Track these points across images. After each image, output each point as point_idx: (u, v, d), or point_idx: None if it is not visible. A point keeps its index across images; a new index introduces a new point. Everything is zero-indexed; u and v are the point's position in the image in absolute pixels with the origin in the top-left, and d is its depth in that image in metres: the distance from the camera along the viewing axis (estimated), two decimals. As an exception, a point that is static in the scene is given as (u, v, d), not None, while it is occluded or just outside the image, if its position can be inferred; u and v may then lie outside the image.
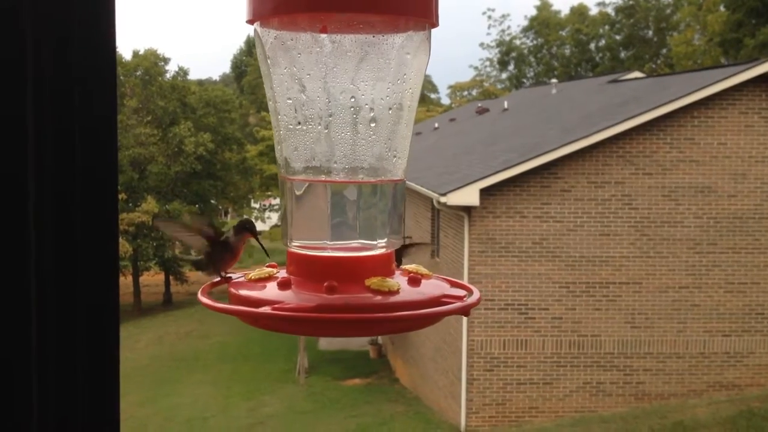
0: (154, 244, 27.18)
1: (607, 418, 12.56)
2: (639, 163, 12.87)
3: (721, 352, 12.96)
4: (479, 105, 27.47)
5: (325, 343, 18.57)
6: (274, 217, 30.49)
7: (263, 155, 29.67)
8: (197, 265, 0.98)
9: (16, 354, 0.60)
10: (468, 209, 12.58)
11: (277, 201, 30.71)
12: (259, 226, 34.57)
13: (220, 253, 0.95)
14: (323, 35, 0.78)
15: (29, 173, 0.60)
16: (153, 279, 29.58)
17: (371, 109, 0.81)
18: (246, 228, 0.97)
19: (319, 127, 0.82)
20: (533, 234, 12.72)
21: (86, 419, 0.63)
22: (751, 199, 12.93)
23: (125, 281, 27.67)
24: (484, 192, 12.52)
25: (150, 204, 26.26)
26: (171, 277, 29.12)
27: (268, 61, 0.82)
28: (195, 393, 16.92)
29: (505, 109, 22.69)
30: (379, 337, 17.88)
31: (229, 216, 44.15)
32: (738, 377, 12.99)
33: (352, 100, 0.80)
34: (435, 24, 0.80)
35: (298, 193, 0.84)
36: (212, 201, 31.58)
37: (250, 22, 0.81)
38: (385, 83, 0.81)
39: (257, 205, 33.14)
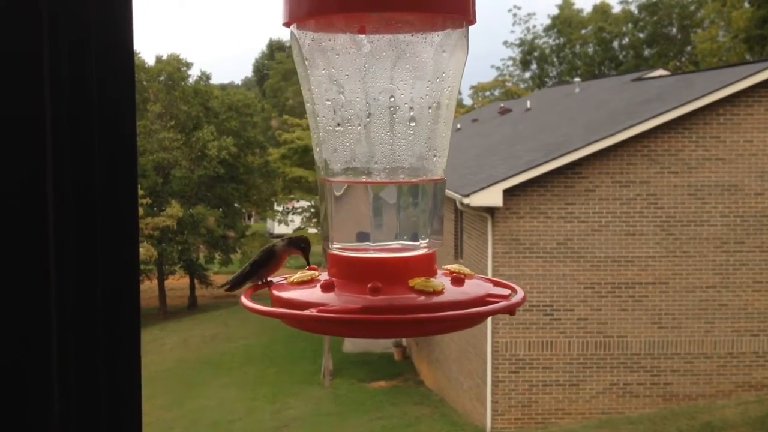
0: (179, 248, 27.37)
1: (634, 419, 12.46)
2: (664, 162, 12.77)
3: (750, 351, 12.82)
4: (502, 105, 27.38)
5: (350, 346, 18.58)
6: (297, 220, 30.57)
7: (285, 158, 29.72)
8: (246, 276, 0.96)
9: (37, 358, 0.60)
10: (491, 210, 12.54)
11: (301, 204, 30.77)
12: (282, 228, 34.69)
13: (266, 260, 0.95)
14: (361, 35, 0.78)
15: (47, 175, 0.60)
16: (178, 282, 29.77)
17: (410, 109, 0.81)
18: (300, 246, 0.96)
19: (359, 128, 0.81)
20: (557, 234, 12.66)
21: (108, 425, 0.63)
22: (778, 197, 12.77)
23: (151, 285, 27.88)
24: (508, 192, 12.48)
25: (174, 208, 26.44)
26: (196, 281, 29.29)
27: (306, 63, 0.81)
28: (220, 396, 17.00)
29: (528, 109, 22.60)
30: (404, 339, 17.87)
31: (252, 219, 44.32)
32: (767, 377, 12.84)
33: (391, 99, 0.80)
34: (472, 21, 0.80)
35: (338, 194, 0.84)
36: (236, 204, 31.72)
37: (287, 24, 0.81)
38: (423, 82, 0.80)
39: (280, 208, 33.23)
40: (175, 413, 16.06)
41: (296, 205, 30.68)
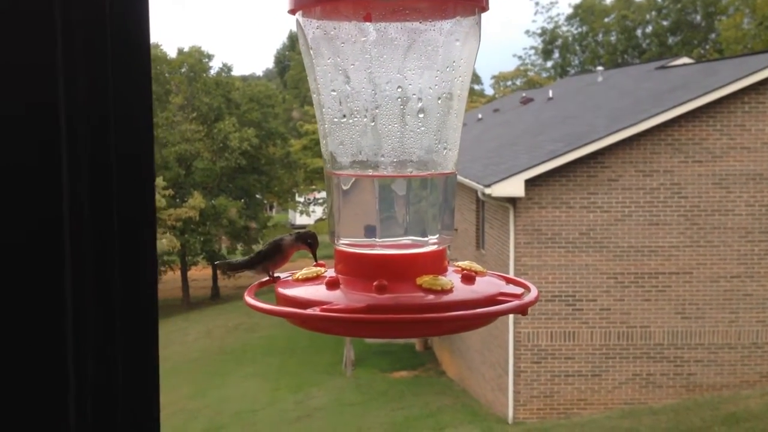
0: (202, 239, 27.54)
1: (657, 410, 12.38)
2: (688, 151, 12.63)
3: (775, 342, 12.69)
4: (524, 95, 27.22)
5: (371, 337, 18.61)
6: (318, 211, 30.64)
7: (307, 149, 29.80)
8: (245, 265, 0.95)
9: (53, 352, 0.59)
10: (513, 200, 12.48)
11: (322, 195, 30.85)
12: (304, 219, 34.77)
13: (271, 254, 0.92)
14: (367, 23, 0.75)
15: (63, 168, 0.59)
16: (201, 273, 29.97)
17: (419, 100, 0.78)
18: (306, 242, 0.93)
19: (366, 120, 0.78)
20: (580, 224, 12.57)
21: (126, 417, 0.62)
22: (805, 186, 12.60)
23: (174, 276, 28.09)
24: (530, 183, 12.40)
25: (197, 199, 26.59)
26: (218, 272, 29.47)
27: (311, 53, 0.79)
28: (244, 386, 17.10)
29: (550, 99, 22.45)
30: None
31: (274, 210, 44.48)
32: (793, 368, 12.71)
33: (399, 90, 0.77)
34: (485, 8, 0.77)
35: (344, 188, 0.81)
36: (257, 195, 31.84)
37: (292, 12, 0.78)
38: (433, 72, 0.77)
39: (302, 199, 33.32)
40: (199, 403, 16.19)
41: (317, 195, 30.75)
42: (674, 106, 12.59)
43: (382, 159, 0.79)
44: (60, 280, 0.59)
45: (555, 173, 12.51)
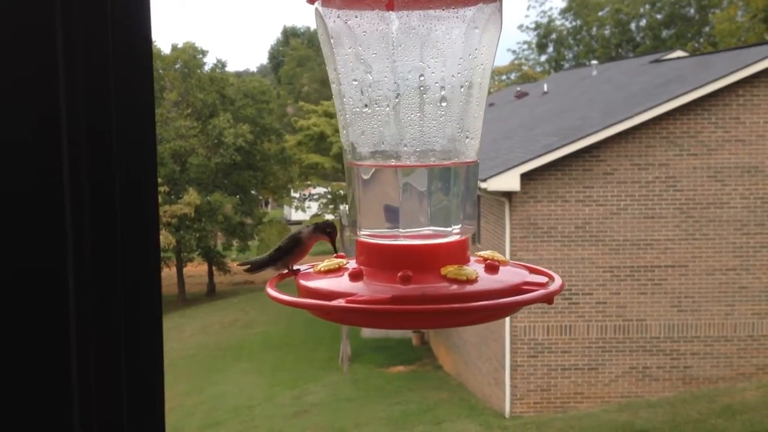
0: (197, 235, 27.48)
1: (654, 403, 12.41)
2: (683, 144, 12.64)
3: (771, 334, 12.73)
4: (518, 89, 27.21)
5: (368, 331, 18.61)
6: (314, 207, 30.59)
7: (302, 145, 29.74)
8: (267, 263, 0.93)
9: (55, 353, 0.58)
10: (509, 194, 12.48)
11: (318, 190, 30.74)
12: (300, 215, 34.72)
13: (291, 248, 0.91)
14: (389, 12, 0.74)
15: (64, 169, 0.58)
16: (196, 270, 29.92)
17: (442, 88, 0.77)
18: (326, 231, 0.91)
19: (387, 109, 0.77)
20: (576, 218, 12.58)
21: (131, 416, 0.61)
22: (800, 178, 12.63)
23: (169, 272, 28.03)
24: (525, 177, 12.41)
25: (192, 196, 26.54)
26: (214, 268, 29.43)
27: (331, 42, 0.77)
28: (240, 382, 17.09)
29: (545, 93, 22.45)
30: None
31: (269, 206, 44.40)
32: (789, 360, 12.75)
33: (421, 78, 0.76)
34: None
35: (365, 179, 0.80)
36: (252, 191, 31.76)
37: (311, 1, 0.77)
38: (455, 60, 0.76)
39: (297, 195, 33.26)
40: (196, 399, 16.17)
41: (313, 191, 30.69)
42: (669, 100, 12.60)
43: (404, 149, 0.78)
44: (63, 281, 0.58)
45: (550, 167, 12.52)
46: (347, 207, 0.84)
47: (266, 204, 41.69)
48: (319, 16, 0.78)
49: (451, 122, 0.78)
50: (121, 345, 0.60)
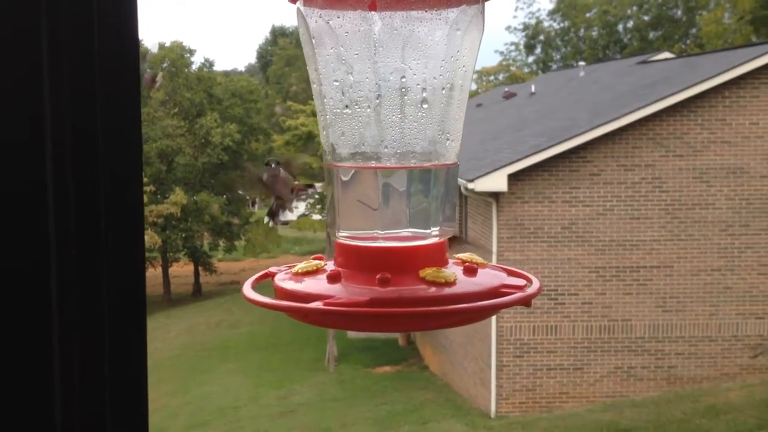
0: (183, 235, 27.38)
1: (638, 402, 12.47)
2: (669, 145, 12.71)
3: (755, 335, 12.81)
4: (506, 90, 27.27)
5: (354, 332, 18.61)
6: (301, 207, 30.53)
7: (289, 144, 29.68)
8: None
9: (37, 353, 0.58)
10: (496, 195, 12.51)
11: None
12: (287, 215, 34.60)
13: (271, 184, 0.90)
14: (371, 12, 0.73)
15: (48, 172, 0.58)
16: (182, 270, 29.82)
17: (423, 90, 0.76)
18: (270, 164, 0.91)
19: (368, 110, 0.77)
20: (562, 219, 12.63)
21: (114, 417, 0.61)
22: (784, 180, 12.72)
23: (155, 272, 27.92)
24: (513, 177, 12.44)
25: (178, 195, 26.43)
26: (200, 268, 29.33)
27: (313, 42, 0.77)
28: (226, 382, 17.05)
29: (533, 93, 22.50)
30: (408, 325, 17.85)
31: (256, 206, 44.29)
32: (772, 361, 12.84)
33: (403, 80, 0.76)
34: None
35: (345, 180, 0.79)
36: (240, 191, 31.68)
37: (293, 1, 0.77)
38: (437, 62, 0.76)
39: (284, 195, 33.15)
40: (181, 400, 16.12)
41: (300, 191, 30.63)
42: (655, 101, 12.66)
43: (385, 150, 0.78)
44: (46, 280, 0.58)
45: (537, 168, 12.56)
46: (327, 208, 0.84)
47: (253, 204, 41.58)
48: (300, 15, 0.78)
49: (432, 124, 0.78)
50: (105, 345, 0.60)
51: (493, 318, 12.44)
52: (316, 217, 28.26)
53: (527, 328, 12.62)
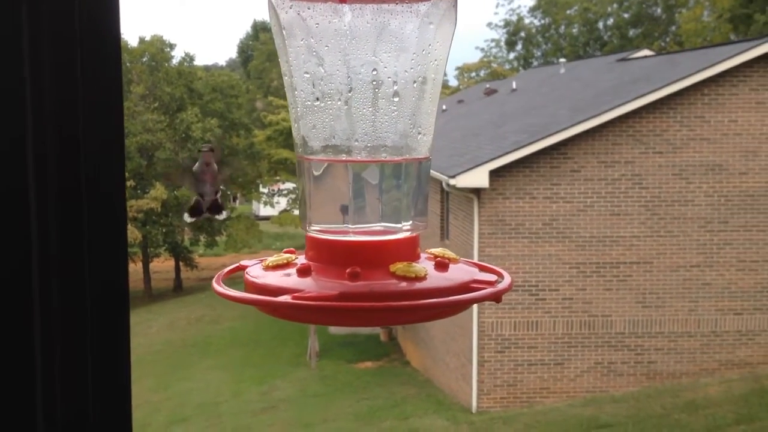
0: (164, 230, 27.22)
1: (618, 398, 12.56)
2: (649, 142, 12.79)
3: (733, 330, 12.92)
4: (487, 86, 27.32)
5: (336, 327, 18.61)
6: (283, 202, 30.42)
7: (271, 140, 29.57)
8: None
9: (19, 349, 0.57)
10: (477, 191, 12.53)
11: (286, 186, 30.56)
12: (268, 210, 34.54)
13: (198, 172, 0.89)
14: (343, 4, 0.73)
15: (29, 166, 0.57)
16: (163, 265, 29.64)
17: (394, 83, 0.76)
18: (203, 151, 0.90)
19: (339, 103, 0.76)
20: (543, 215, 12.68)
21: (97, 414, 0.60)
22: (762, 177, 12.83)
23: (135, 268, 27.75)
24: (494, 173, 12.47)
25: (158, 190, 26.27)
26: (181, 263, 29.19)
27: (284, 33, 0.76)
28: (207, 378, 17.00)
29: (514, 90, 22.57)
30: (390, 320, 17.84)
31: (237, 201, 44.15)
32: (750, 355, 12.96)
33: (374, 73, 0.75)
34: None
35: (316, 174, 0.79)
36: (220, 187, 31.52)
37: None
38: (408, 55, 0.75)
39: (266, 190, 33.07)
40: (162, 395, 16.05)
41: (281, 186, 30.53)
42: (635, 98, 12.73)
43: (356, 143, 0.77)
44: (27, 276, 0.57)
45: (519, 164, 12.59)
46: (298, 202, 0.83)
47: (234, 199, 41.43)
48: (271, 6, 0.77)
49: (404, 118, 0.78)
50: (87, 341, 0.59)
51: (475, 313, 12.48)
52: (298, 212, 28.17)
53: (508, 323, 12.66)
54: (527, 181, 12.66)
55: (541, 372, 12.82)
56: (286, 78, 0.79)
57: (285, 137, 27.12)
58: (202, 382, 16.77)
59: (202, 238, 29.41)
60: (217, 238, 29.63)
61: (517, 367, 12.79)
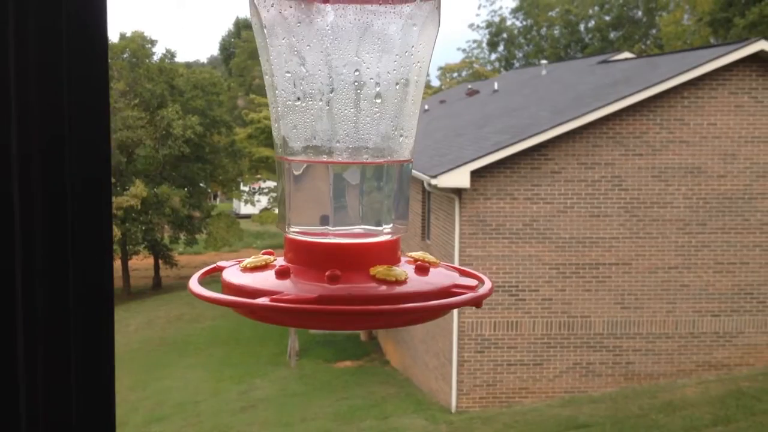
0: (143, 227, 27.05)
1: (596, 398, 12.63)
2: (629, 144, 12.87)
3: (711, 332, 13.03)
4: (469, 87, 27.38)
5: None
6: (263, 200, 30.34)
7: (252, 138, 29.50)
8: None
9: (1, 348, 0.56)
10: (459, 191, 12.55)
11: (268, 184, 30.44)
12: (249, 209, 34.42)
13: None
14: (324, 4, 0.72)
15: (13, 172, 0.56)
16: (142, 263, 29.47)
17: (376, 84, 0.75)
18: None
19: (320, 103, 0.75)
20: (524, 216, 12.72)
21: (81, 415, 0.59)
22: (740, 180, 12.95)
23: (114, 265, 27.50)
24: (475, 174, 12.50)
25: (138, 188, 26.09)
26: (160, 261, 29.02)
27: (265, 31, 0.75)
28: (186, 377, 16.91)
29: (496, 91, 22.63)
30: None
31: (218, 199, 43.99)
32: (727, 357, 13.07)
33: (356, 74, 0.74)
34: None
35: (296, 174, 0.78)
36: (201, 184, 31.40)
37: None
38: (391, 56, 0.74)
39: (246, 188, 32.97)
40: (140, 394, 15.95)
41: (262, 185, 30.46)
42: (615, 100, 12.80)
43: (337, 145, 0.76)
44: (11, 273, 0.56)
45: (500, 165, 12.63)
46: (277, 202, 0.82)
47: (215, 197, 41.27)
48: (252, 4, 0.76)
49: (386, 119, 0.77)
50: (71, 342, 0.59)
51: (455, 314, 12.50)
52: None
53: (488, 324, 12.70)
54: (508, 181, 12.70)
55: (521, 372, 12.86)
56: (267, 77, 0.78)
57: (266, 135, 27.05)
58: (180, 380, 16.68)
59: (182, 236, 29.26)
60: (197, 236, 29.50)
61: (496, 367, 12.82)
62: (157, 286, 28.56)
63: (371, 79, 0.74)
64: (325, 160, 0.76)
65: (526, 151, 12.63)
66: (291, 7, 0.73)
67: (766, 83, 12.91)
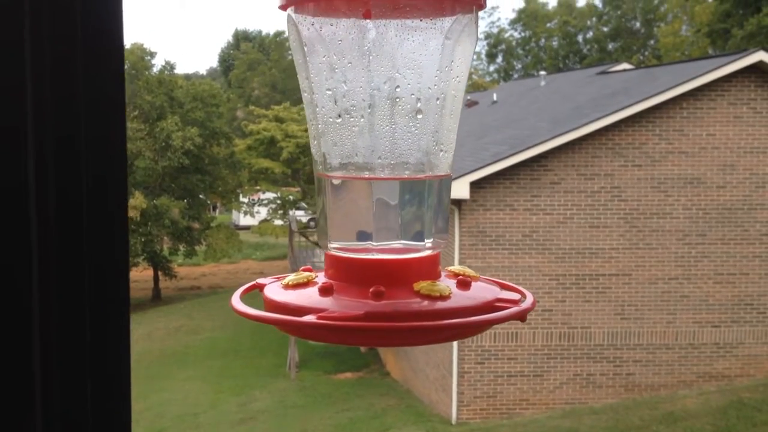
0: (143, 239, 27.01)
1: (597, 409, 12.61)
2: (628, 155, 12.89)
3: (711, 342, 13.01)
4: (468, 98, 27.42)
5: (316, 338, 18.49)
6: (263, 212, 30.31)
7: (251, 149, 29.47)
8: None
9: (17, 353, 0.56)
10: (458, 202, 12.56)
11: (267, 195, 30.36)
12: (248, 220, 34.38)
13: None
14: (366, 20, 0.72)
15: (29, 174, 0.56)
16: (141, 275, 29.41)
17: (417, 100, 0.75)
18: None
19: (361, 120, 0.75)
20: (523, 227, 12.72)
21: (97, 422, 0.59)
22: (739, 190, 12.97)
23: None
24: (475, 185, 12.51)
25: (138, 199, 26.08)
26: (160, 273, 28.97)
27: (305, 50, 0.75)
28: (185, 389, 16.85)
29: (495, 102, 22.67)
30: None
31: (217, 211, 43.94)
32: (727, 368, 13.06)
33: (397, 89, 0.74)
34: (483, 5, 0.75)
35: (337, 190, 0.78)
36: (200, 196, 31.38)
37: (283, 8, 0.75)
38: (431, 71, 0.75)
39: (246, 200, 32.94)
40: (140, 406, 15.89)
41: (262, 196, 30.43)
42: (614, 111, 12.83)
43: (378, 161, 0.76)
44: (27, 279, 0.56)
45: (499, 176, 12.64)
46: (317, 219, 0.82)
47: (214, 209, 41.23)
48: (291, 23, 0.76)
49: (426, 135, 0.77)
50: (87, 347, 0.58)
51: (455, 325, 12.47)
52: (278, 222, 28.09)
53: (488, 335, 12.68)
54: (508, 192, 12.70)
55: (521, 383, 12.84)
56: (306, 95, 0.78)
57: (266, 147, 27.05)
58: (180, 392, 16.63)
59: (182, 248, 29.22)
60: (197, 248, 29.46)
61: (496, 378, 12.80)
62: (156, 298, 28.51)
63: (411, 94, 0.75)
64: (365, 176, 0.76)
65: (525, 162, 12.65)
66: (332, 24, 0.73)
67: (764, 94, 12.95)
